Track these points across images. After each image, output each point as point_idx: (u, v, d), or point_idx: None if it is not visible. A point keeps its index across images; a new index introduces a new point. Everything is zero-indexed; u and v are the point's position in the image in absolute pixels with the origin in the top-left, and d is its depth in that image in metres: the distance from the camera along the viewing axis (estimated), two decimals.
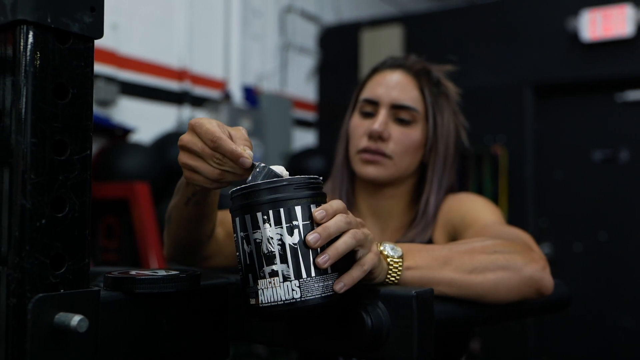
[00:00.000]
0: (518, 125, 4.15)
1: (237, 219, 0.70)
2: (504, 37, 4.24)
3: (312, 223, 0.69)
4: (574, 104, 4.15)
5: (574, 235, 4.10)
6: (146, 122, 3.60)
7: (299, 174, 0.78)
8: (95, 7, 0.63)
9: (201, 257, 1.08)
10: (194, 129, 0.78)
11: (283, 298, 0.67)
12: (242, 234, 0.70)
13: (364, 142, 1.19)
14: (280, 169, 0.76)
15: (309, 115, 5.08)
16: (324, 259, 0.67)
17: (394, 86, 1.20)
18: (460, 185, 1.32)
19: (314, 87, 5.10)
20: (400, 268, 0.81)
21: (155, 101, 3.74)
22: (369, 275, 0.75)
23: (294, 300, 0.67)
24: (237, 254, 0.72)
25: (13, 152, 0.59)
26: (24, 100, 0.59)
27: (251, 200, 0.69)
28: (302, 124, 4.98)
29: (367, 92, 1.23)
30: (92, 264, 2.43)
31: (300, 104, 4.94)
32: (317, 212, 0.69)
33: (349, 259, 0.71)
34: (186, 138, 0.79)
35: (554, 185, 4.19)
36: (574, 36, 3.96)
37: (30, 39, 0.59)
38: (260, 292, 0.69)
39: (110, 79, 3.37)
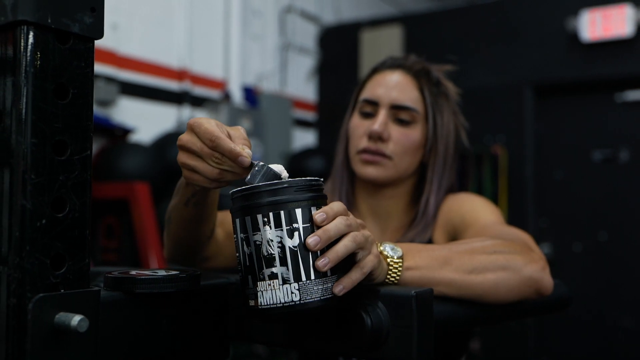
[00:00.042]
0: (518, 125, 4.15)
1: (237, 220, 0.70)
2: (504, 37, 4.24)
3: (313, 225, 0.68)
4: (574, 104, 4.16)
5: (574, 236, 4.10)
6: (146, 122, 3.60)
7: (299, 174, 0.78)
8: (96, 8, 0.64)
9: (201, 257, 1.08)
10: (192, 129, 0.78)
11: (282, 301, 0.67)
12: (242, 235, 0.70)
13: (363, 143, 1.19)
14: (279, 168, 0.76)
15: (309, 115, 5.08)
16: (323, 263, 0.67)
17: (393, 86, 1.20)
18: (460, 185, 1.32)
19: (314, 87, 5.10)
20: (400, 268, 0.81)
21: (155, 101, 3.74)
22: (369, 276, 0.75)
23: (293, 303, 0.67)
24: (237, 255, 0.72)
25: (13, 152, 0.59)
26: (25, 100, 0.59)
27: (251, 201, 0.69)
28: (302, 124, 4.98)
29: (367, 93, 1.23)
30: (92, 264, 2.43)
31: (300, 104, 4.94)
32: (318, 214, 0.69)
33: (348, 261, 0.71)
34: (185, 138, 0.79)
35: (553, 185, 4.19)
36: (573, 36, 3.96)
37: (31, 40, 0.59)
38: (259, 294, 0.69)
39: (110, 79, 3.37)
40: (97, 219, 2.99)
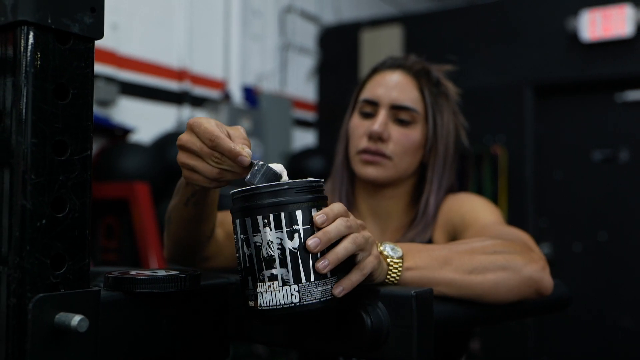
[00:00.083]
0: (518, 125, 4.15)
1: (238, 221, 0.70)
2: (504, 37, 4.24)
3: (313, 227, 0.68)
4: (573, 104, 4.16)
5: (574, 236, 4.10)
6: (146, 122, 3.60)
7: (299, 174, 0.78)
8: (96, 8, 0.64)
9: (201, 257, 1.08)
10: (192, 129, 0.78)
11: (282, 302, 0.67)
12: (242, 236, 0.70)
13: (363, 143, 1.19)
14: (278, 167, 0.76)
15: (309, 115, 5.08)
16: (323, 265, 0.67)
17: (393, 87, 1.20)
18: (460, 185, 1.32)
19: (314, 87, 5.10)
20: (400, 268, 0.81)
21: (155, 101, 3.74)
22: (369, 277, 0.75)
23: (293, 304, 0.67)
24: (237, 255, 0.72)
25: (13, 152, 0.59)
26: (25, 100, 0.59)
27: (252, 203, 0.69)
28: (302, 124, 4.98)
29: (367, 93, 1.23)
30: (92, 264, 2.43)
31: (300, 104, 4.94)
32: (318, 216, 0.68)
33: (348, 262, 0.71)
34: (185, 138, 0.79)
35: (553, 185, 4.19)
36: (573, 36, 3.96)
37: (31, 40, 0.59)
38: (259, 295, 0.69)
39: (110, 79, 3.37)
40: (97, 219, 2.99)
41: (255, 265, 0.69)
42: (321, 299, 0.68)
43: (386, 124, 1.19)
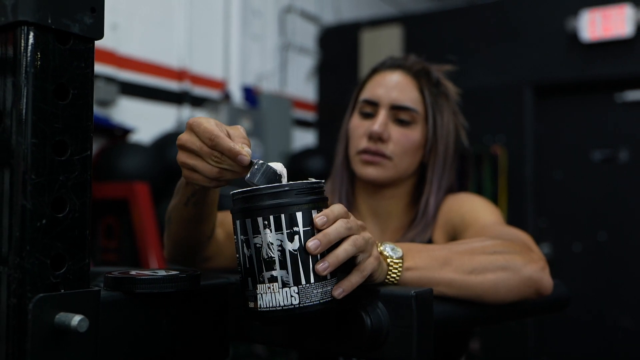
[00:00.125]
0: (518, 125, 4.15)
1: (238, 222, 0.70)
2: (504, 37, 4.24)
3: (313, 229, 0.68)
4: (573, 104, 4.16)
5: (574, 236, 4.10)
6: (146, 122, 3.60)
7: (299, 174, 0.78)
8: (96, 8, 0.64)
9: (201, 258, 1.08)
10: (192, 128, 0.78)
11: (281, 304, 0.67)
12: (242, 237, 0.70)
13: (363, 143, 1.19)
14: (278, 166, 0.76)
15: (309, 115, 5.08)
16: (323, 267, 0.67)
17: (393, 87, 1.20)
18: (460, 185, 1.32)
19: (314, 87, 5.10)
20: (400, 269, 0.81)
21: (155, 101, 3.74)
22: (369, 278, 0.75)
23: (293, 306, 0.67)
24: (237, 256, 0.71)
25: (14, 152, 0.59)
26: (25, 100, 0.59)
27: (252, 204, 0.68)
28: (302, 124, 4.98)
29: (367, 93, 1.23)
30: (92, 264, 2.43)
31: (300, 104, 4.94)
32: (318, 218, 0.68)
33: (348, 263, 0.71)
34: (184, 137, 0.79)
35: (553, 185, 4.19)
36: (573, 36, 3.96)
37: (31, 40, 0.59)
38: (259, 296, 0.69)
39: (110, 79, 3.37)
40: (97, 219, 2.99)
41: (255, 267, 0.68)
42: (321, 301, 0.68)
43: (386, 124, 1.19)
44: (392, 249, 0.82)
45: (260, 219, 0.68)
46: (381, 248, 0.81)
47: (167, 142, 3.33)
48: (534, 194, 4.18)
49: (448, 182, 1.24)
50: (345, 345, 0.75)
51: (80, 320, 0.58)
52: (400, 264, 0.81)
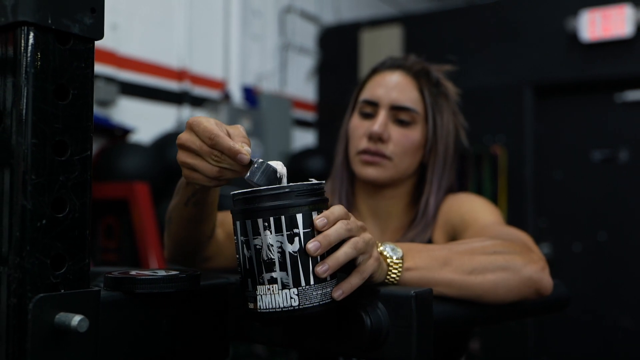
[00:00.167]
0: (517, 125, 4.15)
1: (238, 223, 0.70)
2: (504, 37, 4.24)
3: (313, 230, 0.68)
4: (573, 104, 4.16)
5: (574, 236, 4.10)
6: (146, 122, 3.60)
7: (299, 174, 0.78)
8: (96, 8, 0.64)
9: (201, 258, 1.08)
10: (192, 128, 0.78)
11: (281, 305, 0.67)
12: (242, 238, 0.70)
13: (363, 144, 1.20)
14: (278, 165, 0.76)
15: (309, 116, 5.08)
16: (323, 269, 0.67)
17: (393, 87, 1.20)
18: (460, 185, 1.32)
19: (314, 87, 5.10)
20: (400, 269, 0.81)
21: (154, 101, 3.74)
22: (369, 278, 0.75)
23: (292, 308, 0.67)
24: (237, 256, 0.71)
25: (14, 152, 0.59)
26: (25, 101, 0.59)
27: (252, 205, 0.68)
28: (302, 124, 4.98)
29: (367, 93, 1.23)
30: (92, 264, 2.43)
31: (300, 104, 4.94)
32: (319, 219, 0.68)
33: (348, 264, 0.71)
34: (184, 137, 0.79)
35: (553, 185, 4.19)
36: (573, 36, 3.96)
37: (31, 40, 0.59)
38: (258, 297, 0.69)
39: (110, 79, 3.37)
40: (97, 219, 2.99)
41: (255, 268, 0.68)
42: (320, 302, 0.68)
43: (386, 125, 1.19)
44: (392, 250, 0.82)
45: (260, 221, 0.68)
46: (381, 248, 0.81)
47: (167, 142, 3.33)
48: (534, 194, 4.18)
49: (448, 182, 1.24)
50: (345, 345, 0.75)
51: (80, 320, 0.58)
52: (400, 265, 0.81)
